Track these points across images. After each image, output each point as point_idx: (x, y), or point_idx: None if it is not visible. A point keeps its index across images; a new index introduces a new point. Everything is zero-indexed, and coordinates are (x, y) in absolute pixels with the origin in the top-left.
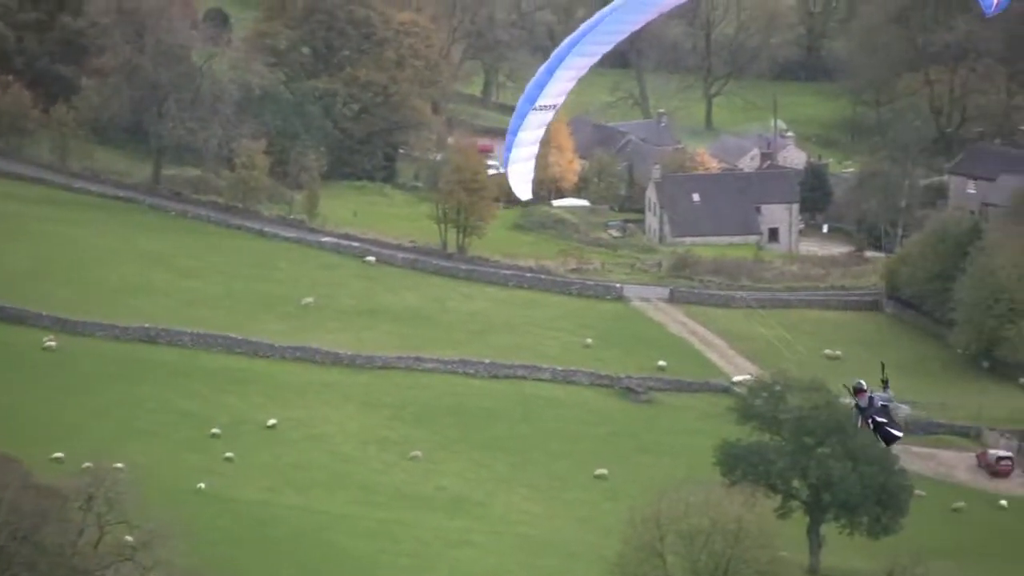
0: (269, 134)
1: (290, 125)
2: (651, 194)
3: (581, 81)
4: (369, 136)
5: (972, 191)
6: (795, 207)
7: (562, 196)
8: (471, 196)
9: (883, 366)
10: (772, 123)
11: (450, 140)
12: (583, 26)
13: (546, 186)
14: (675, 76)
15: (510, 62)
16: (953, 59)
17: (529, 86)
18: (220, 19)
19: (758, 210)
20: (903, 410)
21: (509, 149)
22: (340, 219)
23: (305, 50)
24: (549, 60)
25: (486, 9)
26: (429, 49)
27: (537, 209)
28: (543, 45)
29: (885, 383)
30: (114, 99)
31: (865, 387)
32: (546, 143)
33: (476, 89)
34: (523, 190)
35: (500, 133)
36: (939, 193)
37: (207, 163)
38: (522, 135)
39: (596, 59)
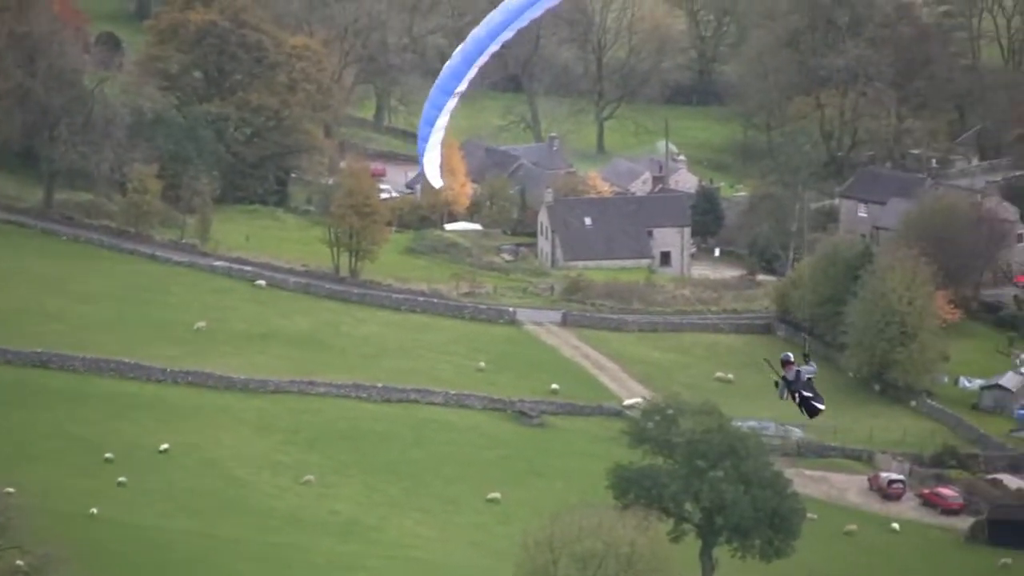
0: (161, 158)
1: (182, 149)
2: (543, 218)
3: (473, 106)
4: (261, 160)
5: (863, 215)
6: (687, 231)
7: (454, 220)
8: (363, 220)
9: (806, 340)
10: (664, 147)
11: (342, 164)
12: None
13: (438, 210)
14: (567, 100)
15: (402, 86)
16: (844, 83)
17: (445, 76)
18: (112, 43)
19: (650, 234)
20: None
21: (426, 139)
22: (233, 243)
23: (197, 74)
24: (466, 47)
25: (378, 33)
26: (321, 73)
27: (429, 233)
28: (434, 69)
29: (807, 357)
30: (5, 123)
31: (792, 359)
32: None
33: (368, 113)
34: (437, 178)
35: (393, 157)
36: (830, 217)
37: (99, 187)
38: (439, 123)
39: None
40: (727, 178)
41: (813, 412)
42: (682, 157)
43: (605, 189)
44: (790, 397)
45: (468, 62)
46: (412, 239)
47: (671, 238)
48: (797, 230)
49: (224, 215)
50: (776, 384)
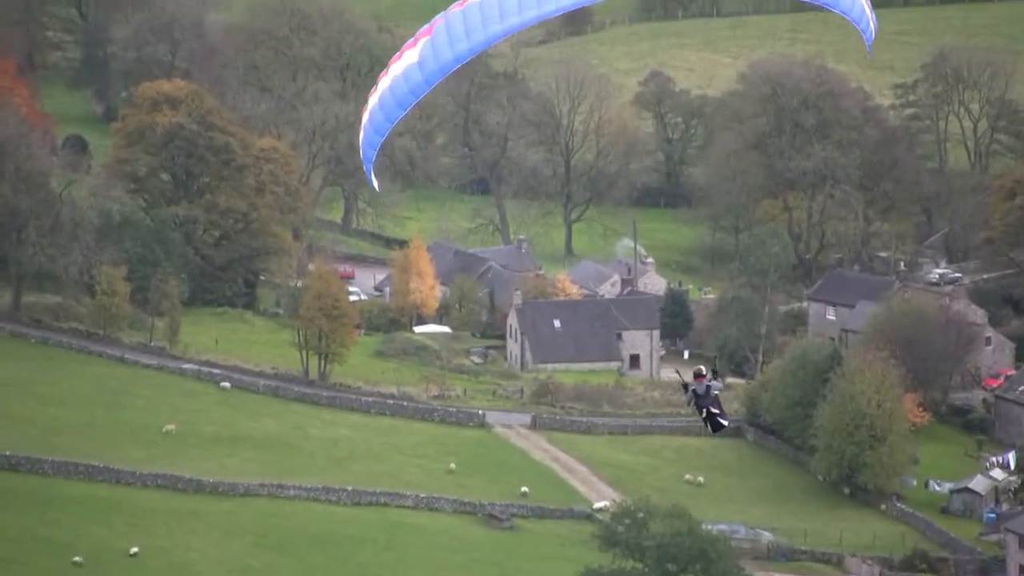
0: (130, 261)
1: (151, 252)
2: (512, 320)
3: (441, 208)
4: (230, 262)
5: (832, 317)
6: (656, 333)
7: (423, 322)
8: (332, 323)
9: (715, 358)
10: (632, 249)
11: (311, 266)
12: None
13: (407, 312)
14: (535, 202)
15: (370, 188)
16: (811, 185)
17: (402, 92)
18: (80, 146)
19: (619, 336)
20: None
21: (375, 148)
22: (202, 346)
23: (165, 176)
24: (423, 63)
25: (345, 135)
26: (289, 175)
27: (398, 335)
28: (403, 171)
29: (716, 373)
30: None
31: (704, 372)
32: (406, 269)
33: (336, 215)
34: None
35: (361, 259)
36: (799, 319)
37: (68, 290)
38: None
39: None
40: (696, 280)
41: (717, 428)
42: (650, 259)
43: (574, 291)
44: (695, 409)
45: (429, 82)
46: (381, 342)
47: (640, 340)
48: (766, 333)
49: (193, 317)
50: (684, 388)
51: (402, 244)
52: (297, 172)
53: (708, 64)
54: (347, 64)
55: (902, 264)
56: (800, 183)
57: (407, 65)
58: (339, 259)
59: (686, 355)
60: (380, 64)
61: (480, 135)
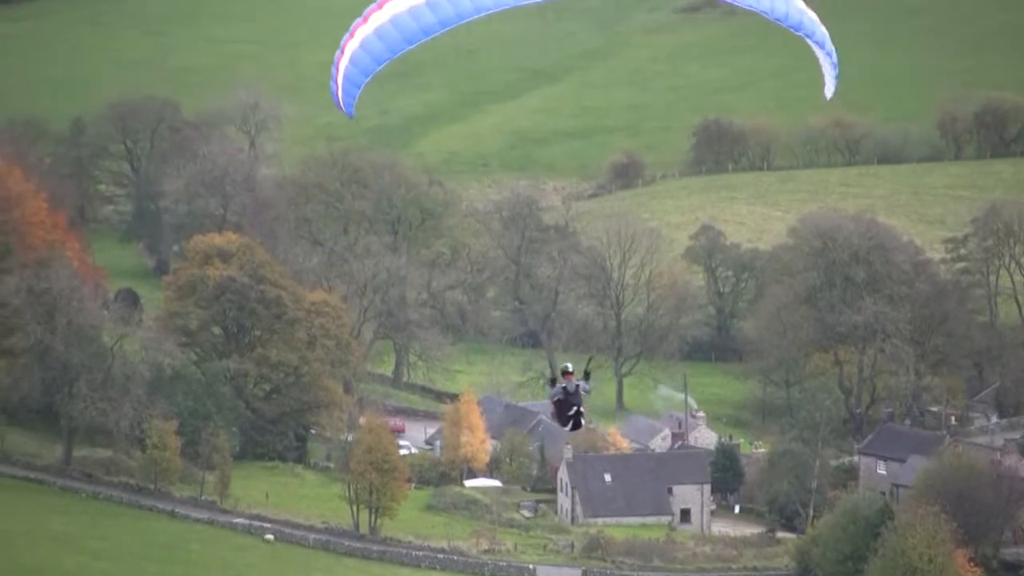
0: (181, 414)
1: (202, 406)
2: (563, 474)
3: (492, 362)
4: (281, 416)
5: (882, 472)
6: (707, 487)
7: (474, 476)
8: (383, 476)
9: (590, 359)
10: (670, 398)
11: (361, 420)
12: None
13: (457, 466)
14: (586, 356)
15: (421, 342)
16: (862, 339)
17: (379, 48)
18: (131, 299)
19: (670, 491)
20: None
21: (359, 87)
22: (252, 499)
23: (216, 330)
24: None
25: (397, 289)
26: (340, 329)
27: (449, 489)
28: (454, 324)
29: (588, 375)
30: (25, 380)
31: (572, 370)
32: (457, 423)
33: (387, 369)
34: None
35: (412, 413)
36: (849, 474)
37: (118, 444)
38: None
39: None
40: (746, 435)
41: (578, 426)
42: (701, 414)
43: (624, 446)
44: (558, 406)
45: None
46: (432, 495)
47: (691, 495)
48: (816, 487)
49: (244, 471)
50: (552, 382)
51: (453, 398)
52: (348, 326)
53: (759, 218)
54: (398, 217)
55: (953, 419)
56: (851, 337)
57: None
58: (390, 413)
59: (736, 510)
60: (431, 217)
61: (531, 288)
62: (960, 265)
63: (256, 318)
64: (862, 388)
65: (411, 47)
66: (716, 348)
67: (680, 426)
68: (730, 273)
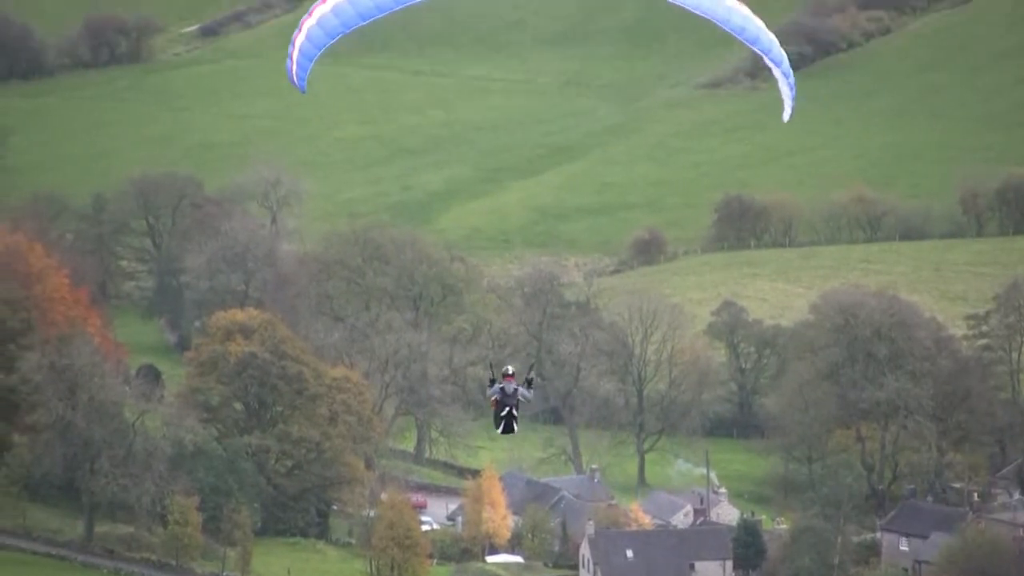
0: (202, 490)
1: (223, 482)
2: (585, 550)
3: (513, 438)
4: (302, 492)
5: (905, 548)
6: (729, 564)
7: (496, 552)
8: (404, 552)
9: (532, 366)
10: (705, 479)
11: (383, 496)
12: None
13: (479, 542)
14: (607, 432)
15: (442, 418)
16: (884, 416)
17: (321, 31)
18: (153, 375)
19: (692, 567)
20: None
21: (311, 59)
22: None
23: (238, 406)
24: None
25: (418, 365)
26: (362, 405)
27: (471, 566)
28: (475, 400)
29: (530, 383)
30: (46, 456)
31: (512, 373)
32: (479, 498)
33: (409, 444)
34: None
35: (434, 489)
36: (872, 550)
37: (140, 520)
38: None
39: None
40: (768, 511)
41: (508, 429)
42: (723, 490)
43: (646, 522)
44: (494, 405)
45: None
46: (454, 571)
47: (713, 571)
48: (839, 563)
49: (265, 547)
50: (491, 383)
51: (474, 474)
52: (370, 401)
53: (781, 294)
54: (420, 293)
55: (975, 495)
56: (873, 413)
57: None
58: (412, 488)
59: None
60: (453, 293)
61: (552, 364)
62: (982, 342)
63: (278, 394)
64: (884, 464)
65: (364, 22)
66: (738, 424)
67: (702, 502)
68: (752, 349)
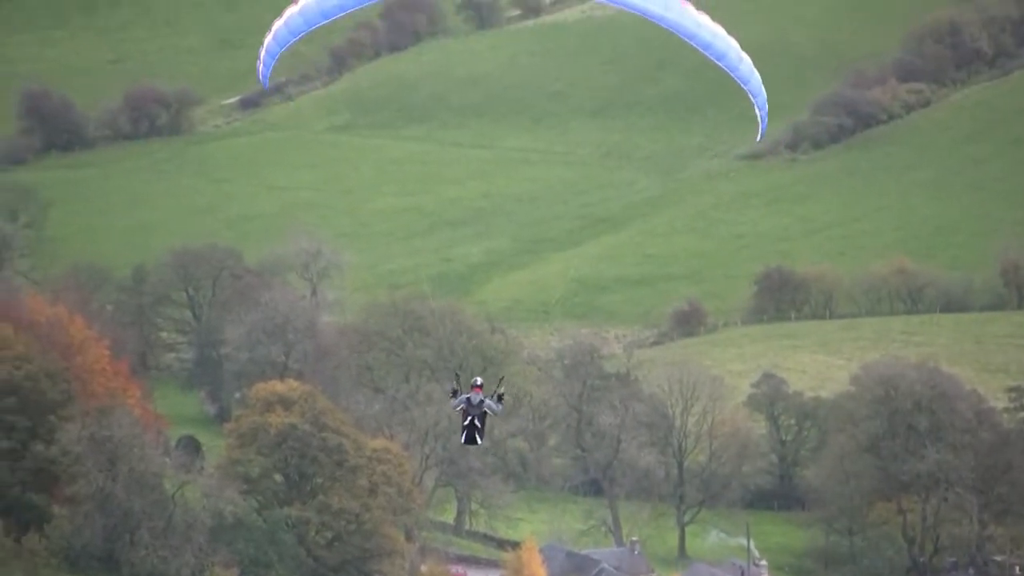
0: (242, 562)
1: (263, 553)
2: None
3: (554, 509)
4: (342, 564)
5: None
6: None
7: None
8: None
9: (502, 380)
10: (745, 551)
11: (423, 568)
12: None
13: None
14: (648, 503)
15: (483, 490)
16: (925, 488)
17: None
18: (193, 447)
19: None
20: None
21: (274, 56)
22: None
23: (278, 477)
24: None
25: (458, 437)
26: (402, 476)
27: None
28: (515, 472)
29: (500, 397)
30: (86, 528)
31: (481, 384)
32: (519, 571)
33: (449, 516)
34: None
35: (474, 561)
36: None
37: None
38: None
39: None
40: None
41: (471, 440)
42: (764, 562)
43: None
44: (462, 414)
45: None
46: None
47: None
48: None
49: None
50: (454, 393)
51: (514, 545)
52: (410, 473)
53: (821, 366)
54: (460, 365)
55: (1017, 568)
56: (914, 486)
57: None
58: (451, 560)
59: None
60: (493, 364)
61: (592, 436)
62: (1023, 415)
63: (318, 465)
64: (925, 537)
65: (327, 20)
66: (779, 496)
67: (743, 574)
68: (792, 421)
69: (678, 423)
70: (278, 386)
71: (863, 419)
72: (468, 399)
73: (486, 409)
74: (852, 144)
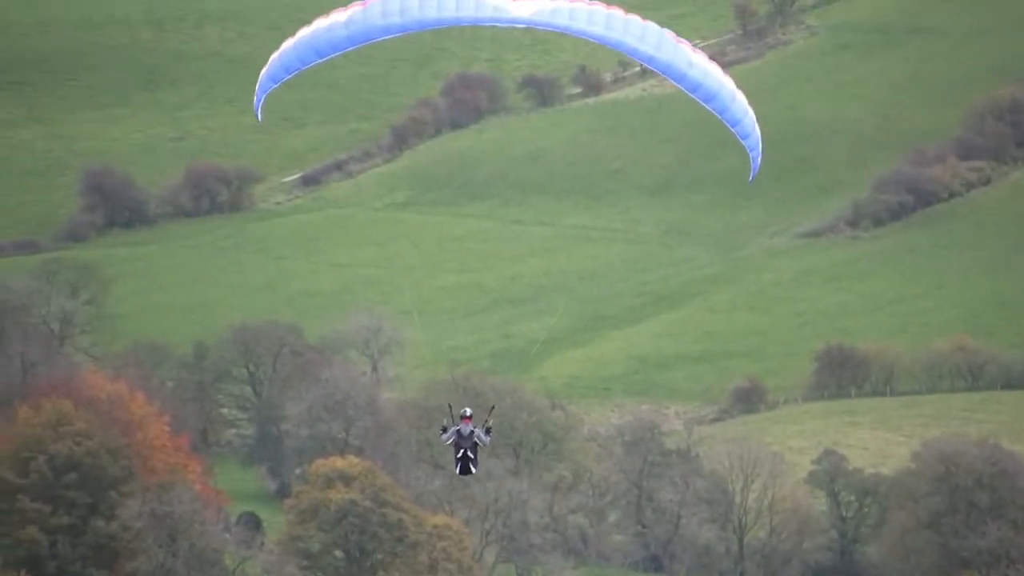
0: None
1: None
2: None
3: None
4: None
5: None
6: None
7: None
8: None
9: (492, 409)
10: None
11: None
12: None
13: None
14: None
15: (543, 565)
16: (986, 565)
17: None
18: (253, 522)
19: None
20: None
21: (266, 91)
22: None
23: (338, 553)
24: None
25: (519, 512)
26: (462, 552)
27: None
28: (576, 548)
29: (489, 430)
30: None
31: (470, 415)
32: None
33: None
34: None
35: None
36: None
37: None
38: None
39: None
40: None
41: (465, 471)
42: None
43: None
44: (453, 447)
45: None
46: None
47: None
48: None
49: None
50: (444, 429)
51: None
52: (470, 550)
53: (882, 443)
54: (520, 441)
55: None
56: (975, 562)
57: (332, 21)
58: None
59: None
60: (553, 441)
61: (653, 512)
62: None
63: (378, 542)
64: None
65: (321, 59)
66: (839, 573)
67: None
68: (853, 498)
69: (738, 499)
70: (338, 462)
71: (924, 496)
72: (458, 431)
73: (477, 440)
74: (913, 222)
